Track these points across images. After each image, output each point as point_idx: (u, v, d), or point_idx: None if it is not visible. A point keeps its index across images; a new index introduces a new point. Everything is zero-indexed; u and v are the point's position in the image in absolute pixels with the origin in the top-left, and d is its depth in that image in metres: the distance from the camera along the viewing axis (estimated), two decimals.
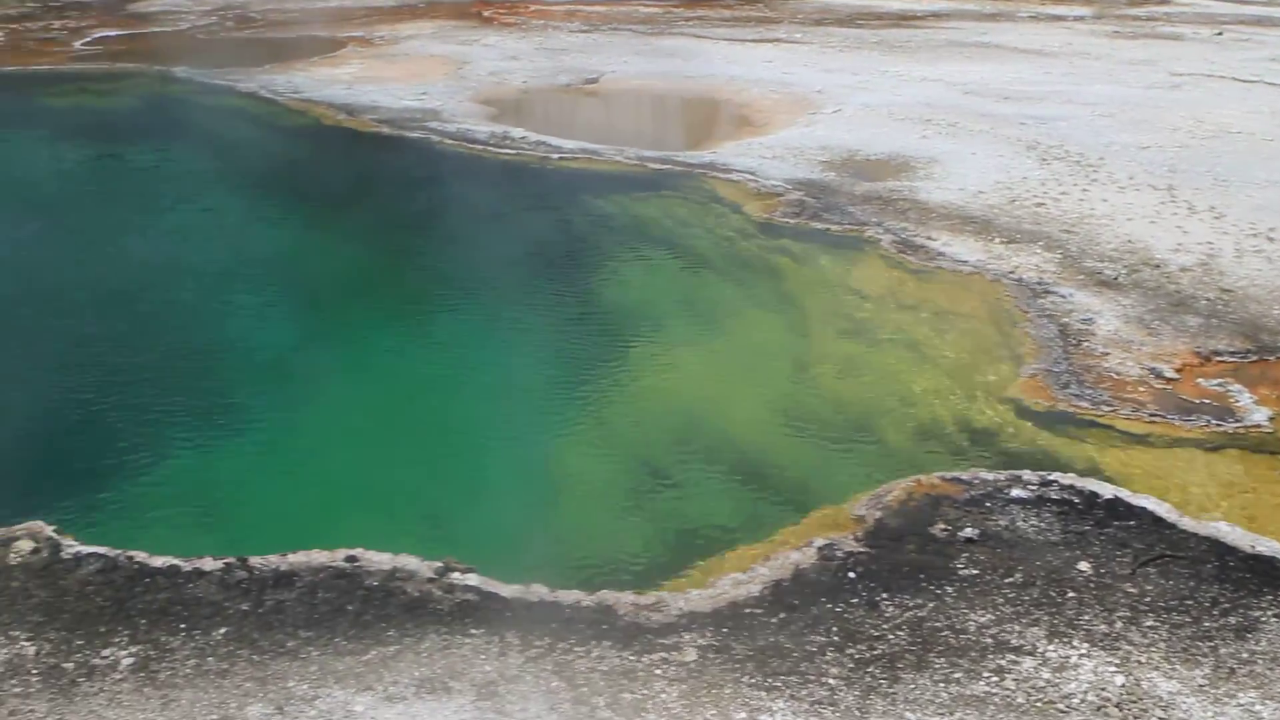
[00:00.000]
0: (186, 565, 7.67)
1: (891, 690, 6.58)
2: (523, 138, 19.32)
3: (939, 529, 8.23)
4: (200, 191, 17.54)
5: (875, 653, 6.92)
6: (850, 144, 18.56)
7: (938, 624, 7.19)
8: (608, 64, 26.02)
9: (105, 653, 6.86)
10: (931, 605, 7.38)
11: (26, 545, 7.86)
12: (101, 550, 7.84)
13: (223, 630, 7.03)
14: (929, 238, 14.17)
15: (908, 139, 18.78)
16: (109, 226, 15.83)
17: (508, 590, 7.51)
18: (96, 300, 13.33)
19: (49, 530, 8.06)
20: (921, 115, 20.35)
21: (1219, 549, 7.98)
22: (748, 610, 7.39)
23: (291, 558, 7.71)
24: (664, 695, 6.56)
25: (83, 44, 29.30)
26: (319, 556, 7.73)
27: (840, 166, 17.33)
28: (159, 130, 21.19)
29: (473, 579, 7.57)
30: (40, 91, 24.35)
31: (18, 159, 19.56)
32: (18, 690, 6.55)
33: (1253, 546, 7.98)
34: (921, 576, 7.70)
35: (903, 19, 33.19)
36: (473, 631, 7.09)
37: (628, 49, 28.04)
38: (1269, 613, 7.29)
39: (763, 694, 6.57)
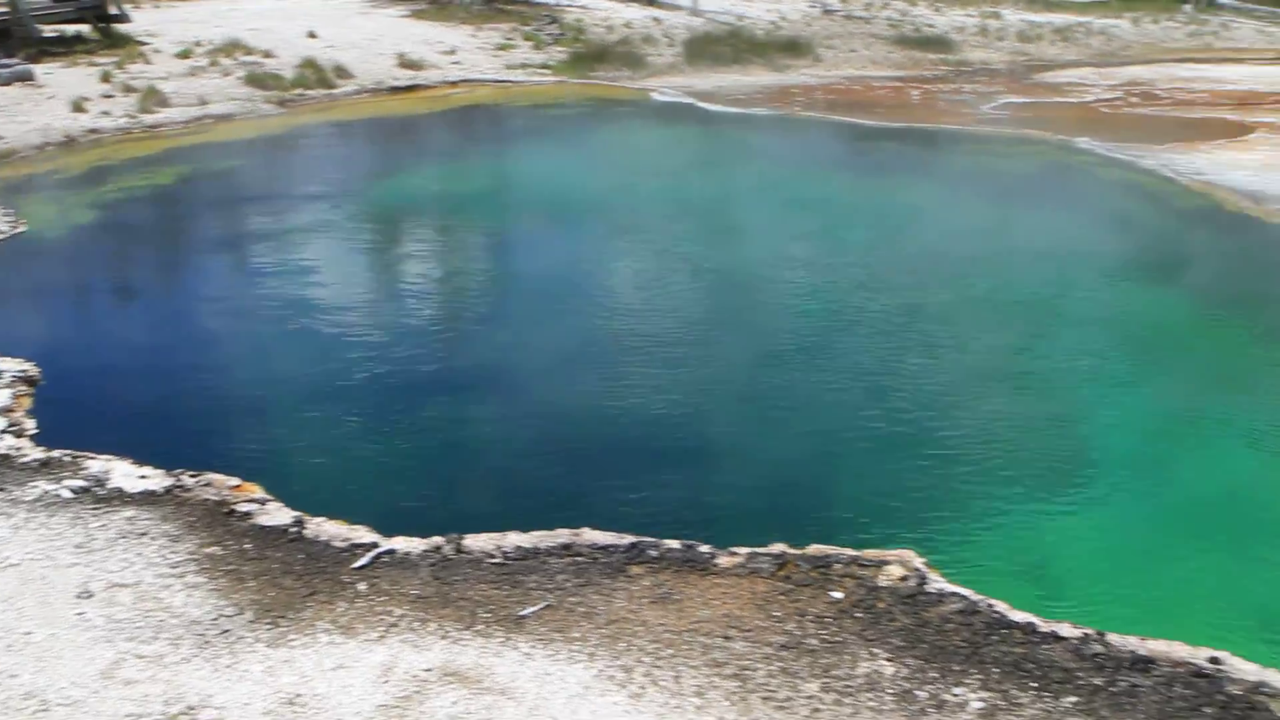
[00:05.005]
0: (1044, 626, 7.69)
1: None
2: None
3: None
4: (1098, 260, 17.64)
5: None
6: None
7: None
8: None
9: (956, 691, 7.06)
10: None
11: (898, 571, 8.32)
12: (964, 592, 8.10)
13: (1072, 699, 6.98)
14: None
15: None
16: (992, 284, 16.41)
17: None
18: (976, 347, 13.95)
19: (919, 562, 8.48)
20: None
21: None
22: None
23: (1151, 644, 7.47)
24: None
25: (989, 108, 30.59)
26: (1180, 650, 7.42)
27: None
28: (1056, 195, 21.63)
29: None
30: (949, 148, 25.86)
31: (929, 206, 20.82)
32: (872, 704, 6.92)
33: None
34: None
35: None
36: None
37: None
38: None
39: None
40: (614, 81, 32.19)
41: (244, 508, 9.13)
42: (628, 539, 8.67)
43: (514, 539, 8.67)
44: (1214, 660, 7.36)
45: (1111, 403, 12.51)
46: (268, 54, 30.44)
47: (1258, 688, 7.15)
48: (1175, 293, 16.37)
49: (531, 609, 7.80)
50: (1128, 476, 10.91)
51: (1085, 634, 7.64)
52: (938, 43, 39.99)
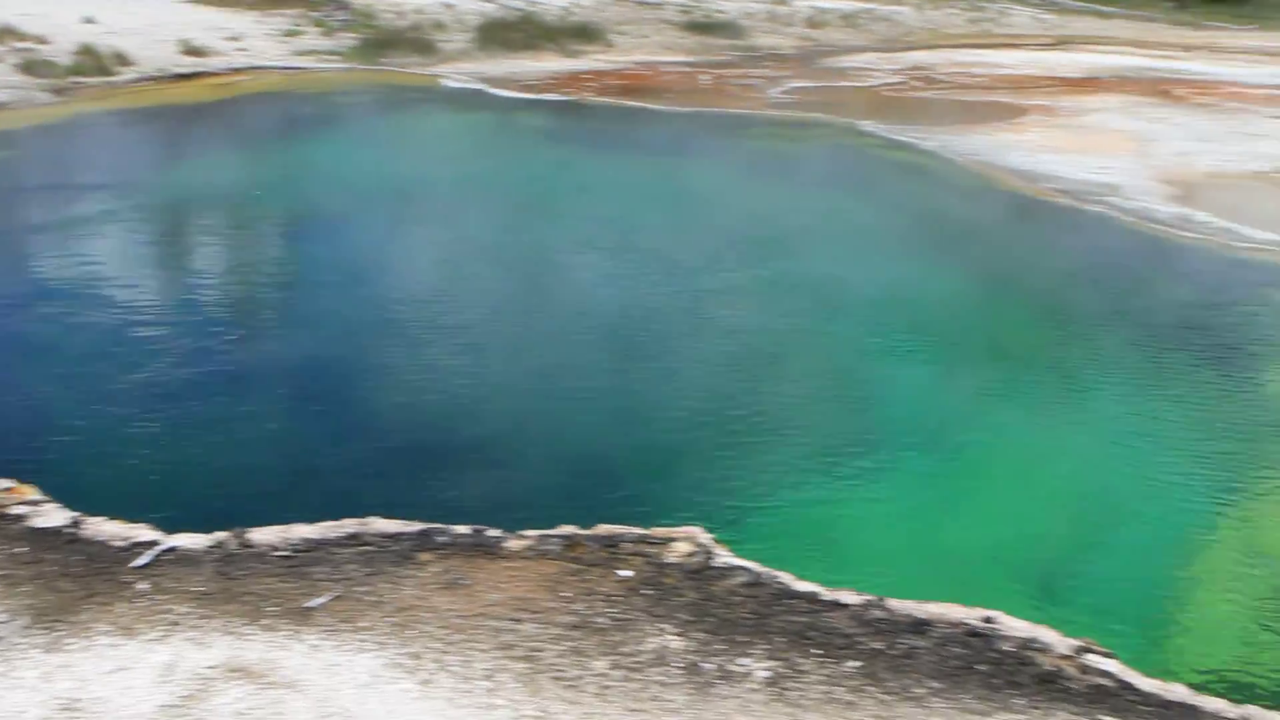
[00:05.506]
0: (827, 595, 7.88)
1: None
2: (1206, 222, 18.51)
3: None
4: (877, 238, 18.10)
5: None
6: None
7: None
8: None
9: (743, 661, 7.19)
10: None
11: (685, 547, 8.41)
12: (750, 565, 8.23)
13: (854, 664, 7.17)
14: None
15: None
16: (775, 265, 16.71)
17: (1146, 684, 7.14)
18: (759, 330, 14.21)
19: (705, 537, 8.59)
20: None
21: None
22: None
23: (929, 607, 7.73)
24: None
25: (778, 92, 31.14)
26: (956, 612, 7.69)
27: None
28: (839, 177, 22.17)
29: (1111, 665, 7.25)
30: (737, 132, 26.21)
31: (715, 189, 21.13)
32: (660, 678, 6.99)
33: None
34: None
35: None
36: (1101, 718, 6.86)
37: None
38: None
39: None
40: (404, 68, 31.83)
41: (17, 510, 8.74)
42: (417, 526, 8.57)
43: (300, 530, 8.50)
44: (988, 620, 7.64)
45: (888, 378, 12.88)
46: (41, 40, 29.20)
47: (1028, 643, 7.44)
48: (952, 271, 16.92)
49: (319, 600, 7.67)
50: (906, 449, 11.26)
51: (866, 600, 7.84)
52: (727, 28, 40.55)
